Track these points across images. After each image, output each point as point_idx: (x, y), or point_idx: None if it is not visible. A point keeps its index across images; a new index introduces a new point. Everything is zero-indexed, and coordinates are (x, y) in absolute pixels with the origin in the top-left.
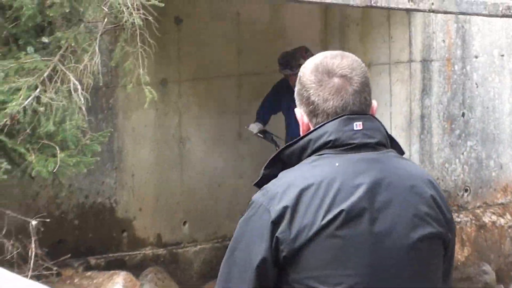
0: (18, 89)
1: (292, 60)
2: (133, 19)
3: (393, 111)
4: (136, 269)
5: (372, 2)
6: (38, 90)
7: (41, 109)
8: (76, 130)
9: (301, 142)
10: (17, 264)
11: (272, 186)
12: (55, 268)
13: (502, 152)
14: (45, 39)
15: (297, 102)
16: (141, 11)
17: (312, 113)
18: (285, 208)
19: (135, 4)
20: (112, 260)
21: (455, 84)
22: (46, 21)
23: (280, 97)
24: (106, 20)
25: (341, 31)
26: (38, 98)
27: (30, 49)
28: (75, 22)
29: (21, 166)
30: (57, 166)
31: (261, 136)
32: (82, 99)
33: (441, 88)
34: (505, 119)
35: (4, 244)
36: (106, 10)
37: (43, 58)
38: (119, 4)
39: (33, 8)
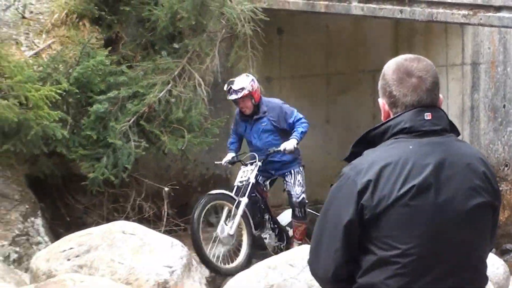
0: (154, 84)
1: (235, 86)
2: (245, 30)
3: (449, 103)
4: None
5: (433, 18)
6: (170, 85)
7: (172, 100)
8: (200, 116)
9: (383, 127)
10: (153, 222)
11: (359, 162)
12: (182, 225)
13: None
14: (175, 45)
15: (380, 94)
16: (251, 24)
17: (393, 104)
18: (369, 181)
19: (246, 18)
20: None
21: (498, 82)
22: (177, 31)
23: (238, 127)
24: (223, 30)
25: (408, 39)
26: (170, 92)
27: (164, 53)
28: (199, 32)
29: (156, 144)
30: (185, 144)
31: (230, 161)
32: (204, 92)
33: (486, 85)
34: None
35: (143, 206)
36: (224, 22)
37: (174, 60)
38: (234, 18)
39: (166, 20)
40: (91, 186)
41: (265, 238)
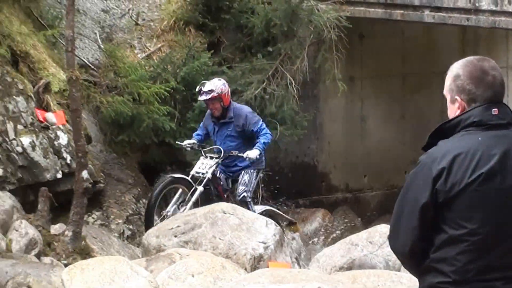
0: (251, 83)
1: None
2: (330, 35)
3: (509, 101)
4: (331, 207)
5: (496, 25)
6: (264, 83)
7: (267, 97)
8: (291, 111)
9: (455, 121)
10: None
11: (434, 151)
12: (275, 206)
13: None
14: (269, 49)
15: (455, 91)
16: (336, 30)
17: (472, 100)
18: (443, 168)
19: (331, 25)
20: (314, 201)
21: None
22: (271, 36)
23: (207, 126)
24: (311, 36)
25: (474, 44)
26: (264, 89)
27: (259, 55)
28: (290, 37)
29: None
30: (277, 135)
31: (189, 145)
32: (294, 90)
33: None
34: None
35: None
36: (312, 29)
37: (268, 62)
38: (321, 25)
39: (261, 27)
40: None
41: None
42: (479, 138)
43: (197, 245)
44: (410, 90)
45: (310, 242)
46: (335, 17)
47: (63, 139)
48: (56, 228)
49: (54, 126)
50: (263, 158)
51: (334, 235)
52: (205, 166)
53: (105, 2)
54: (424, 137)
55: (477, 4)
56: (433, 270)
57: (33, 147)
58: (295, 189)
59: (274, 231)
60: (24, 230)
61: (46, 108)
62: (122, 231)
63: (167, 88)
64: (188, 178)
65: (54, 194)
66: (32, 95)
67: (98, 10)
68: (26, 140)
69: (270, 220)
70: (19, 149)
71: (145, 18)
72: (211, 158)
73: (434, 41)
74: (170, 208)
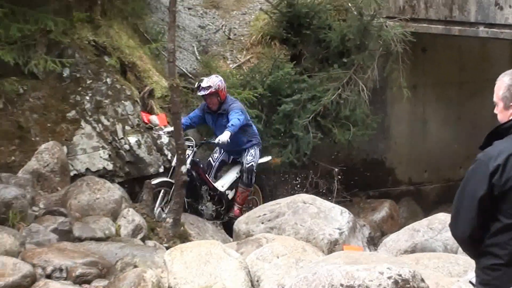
0: (328, 89)
1: (203, 84)
2: (397, 48)
3: None
4: (396, 198)
5: None
6: (339, 90)
7: (342, 102)
8: (362, 114)
9: (508, 124)
10: (326, 195)
11: (490, 150)
12: (348, 197)
13: None
14: (344, 60)
15: (510, 99)
16: (402, 44)
17: None
18: (498, 165)
19: (398, 39)
20: (382, 193)
21: None
22: (345, 49)
23: (204, 116)
24: (381, 48)
25: None
26: (340, 95)
27: (335, 65)
28: (362, 49)
29: (329, 135)
30: (351, 136)
31: (169, 131)
32: (366, 96)
33: None
34: None
35: (319, 183)
36: (381, 43)
37: (343, 71)
38: (389, 39)
39: (337, 41)
40: (280, 167)
41: (202, 210)
42: None
43: (281, 231)
44: (466, 96)
45: (379, 228)
46: (401, 32)
47: (165, 138)
48: (159, 216)
49: (157, 127)
50: (258, 136)
51: (399, 222)
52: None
53: (201, 19)
54: (477, 138)
55: None
56: (488, 254)
57: (139, 145)
58: (366, 182)
59: (348, 219)
60: (131, 217)
61: (150, 111)
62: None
63: (255, 94)
64: (167, 179)
65: (158, 187)
66: (138, 100)
67: (195, 26)
68: (132, 139)
69: (344, 209)
70: (127, 147)
71: (236, 33)
72: (188, 146)
73: (487, 53)
74: (155, 211)
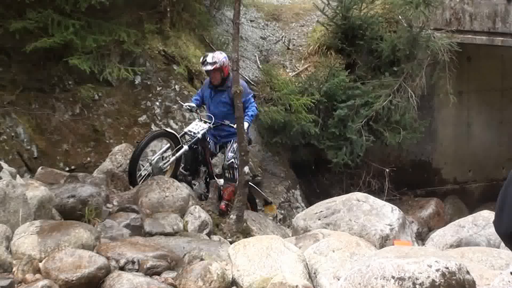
0: (380, 96)
1: (209, 59)
2: (444, 58)
3: None
4: (442, 196)
5: None
6: (390, 96)
7: (392, 107)
8: (411, 119)
9: None
10: (377, 193)
11: None
12: (398, 196)
13: None
14: (395, 68)
15: None
16: (448, 53)
17: None
18: None
19: (445, 49)
20: (429, 191)
21: None
22: (395, 58)
23: (204, 92)
24: (428, 58)
25: None
26: (390, 101)
27: (386, 74)
28: (411, 59)
29: (380, 138)
30: (400, 138)
31: (189, 109)
32: (415, 102)
33: None
34: None
35: (371, 182)
36: (429, 52)
37: (393, 79)
38: (436, 49)
39: (388, 51)
40: (334, 167)
41: (194, 184)
42: None
43: (336, 227)
44: (507, 102)
45: (426, 224)
46: (448, 43)
47: None
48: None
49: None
50: (248, 129)
51: (445, 218)
52: (198, 127)
53: (263, 30)
54: None
55: None
56: None
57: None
58: (414, 182)
59: (398, 216)
60: (197, 214)
61: None
62: (275, 215)
63: (312, 100)
64: (178, 136)
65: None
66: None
67: (257, 37)
68: None
69: (394, 207)
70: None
71: (295, 44)
72: (205, 122)
73: None
74: (155, 156)
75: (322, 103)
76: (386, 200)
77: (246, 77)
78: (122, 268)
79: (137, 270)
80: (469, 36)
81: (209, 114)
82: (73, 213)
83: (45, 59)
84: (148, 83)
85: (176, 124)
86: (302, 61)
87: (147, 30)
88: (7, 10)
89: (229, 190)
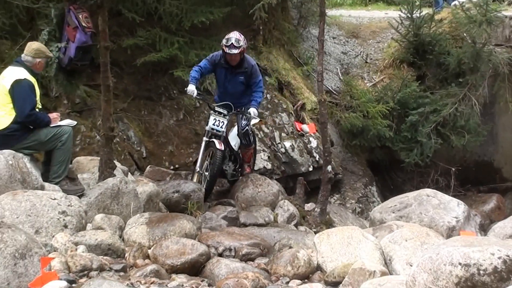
0: (447, 104)
1: (235, 43)
2: (504, 70)
3: None
4: (503, 193)
5: None
6: (456, 104)
7: (458, 114)
8: (475, 124)
9: None
10: (444, 190)
11: None
12: (463, 192)
13: None
14: (460, 80)
15: None
16: (508, 66)
17: None
18: None
19: (505, 63)
20: (491, 188)
21: None
22: (461, 71)
23: (216, 69)
24: (490, 70)
25: None
26: (456, 109)
27: (452, 84)
28: (475, 71)
29: (447, 141)
30: (465, 141)
31: (199, 97)
32: (478, 109)
33: None
34: None
35: (439, 179)
36: (491, 65)
37: (459, 89)
38: (497, 62)
39: (454, 64)
40: (406, 166)
41: (226, 170)
42: None
43: (408, 219)
44: None
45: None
46: (507, 57)
47: (314, 143)
48: (308, 206)
49: (307, 134)
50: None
51: (505, 212)
52: (219, 123)
53: (344, 46)
54: None
55: None
56: None
57: (293, 149)
58: (477, 179)
59: (463, 209)
60: (286, 207)
61: (302, 121)
62: (354, 208)
63: (387, 108)
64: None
65: (307, 182)
66: (292, 112)
67: (339, 52)
68: (287, 143)
69: (460, 202)
70: (283, 150)
71: (372, 58)
72: (220, 113)
73: None
74: (204, 166)
75: (395, 110)
76: (452, 196)
77: (329, 87)
78: (220, 255)
79: (234, 257)
80: None
81: (227, 103)
82: (177, 206)
83: (153, 71)
84: (258, 108)
85: (268, 128)
86: (378, 73)
87: None
88: (121, 29)
89: (248, 153)
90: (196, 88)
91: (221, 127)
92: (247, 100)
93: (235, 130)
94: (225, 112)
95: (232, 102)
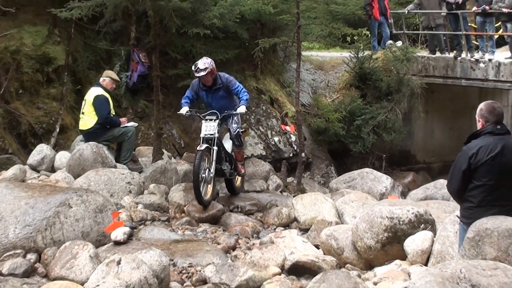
0: (380, 113)
1: (200, 66)
2: (417, 91)
3: (507, 122)
4: (416, 171)
5: (496, 86)
6: (386, 113)
7: (387, 119)
8: (399, 126)
9: (480, 131)
10: (378, 169)
11: (470, 145)
12: (390, 170)
13: None
14: (389, 97)
15: (480, 117)
16: (420, 88)
17: (487, 121)
18: (473, 153)
19: (418, 86)
20: (409, 168)
21: None
22: (389, 91)
23: (199, 93)
24: (408, 91)
25: (489, 95)
26: (386, 116)
27: (384, 100)
28: (399, 92)
29: (380, 137)
30: (392, 137)
31: (190, 113)
32: (400, 116)
33: None
34: None
35: (374, 162)
36: (409, 88)
37: (388, 103)
38: (413, 86)
39: (385, 87)
40: (353, 154)
41: (224, 169)
42: (491, 139)
43: (354, 188)
44: (454, 116)
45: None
46: (420, 83)
47: (293, 138)
48: (289, 179)
49: (289, 132)
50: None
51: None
52: (210, 128)
53: (313, 75)
54: (462, 140)
55: (488, 77)
56: (466, 201)
57: (279, 142)
58: (400, 162)
59: (390, 182)
60: (274, 180)
61: (286, 124)
62: (319, 181)
63: (341, 115)
64: (209, 146)
65: (288, 164)
66: (279, 118)
67: (310, 79)
68: (276, 138)
69: (388, 177)
70: (273, 142)
71: (331, 83)
72: (211, 120)
73: (466, 93)
74: (206, 173)
75: (347, 117)
76: (383, 173)
77: (304, 102)
78: (231, 210)
79: (240, 212)
80: (432, 78)
81: (214, 111)
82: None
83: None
84: (247, 105)
85: (263, 128)
86: (336, 93)
87: (247, 74)
88: (167, 63)
89: (241, 153)
90: (188, 107)
91: (212, 131)
92: (233, 106)
93: (227, 135)
94: (214, 117)
95: (221, 113)
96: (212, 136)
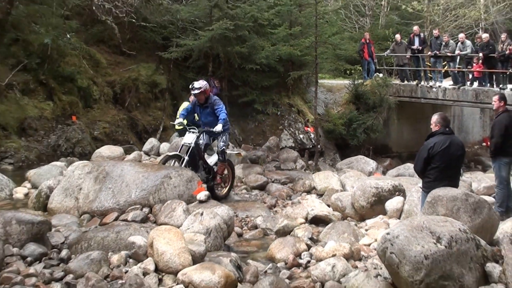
0: (368, 120)
1: (196, 86)
2: (393, 106)
3: (454, 126)
4: (392, 158)
5: (447, 104)
6: (373, 120)
7: (373, 124)
8: (380, 128)
9: (435, 131)
10: (368, 156)
11: (429, 141)
12: (375, 157)
13: None
14: (375, 110)
15: (436, 123)
16: (394, 104)
17: (441, 125)
18: (431, 146)
19: (392, 103)
20: (387, 156)
21: None
22: (375, 105)
23: (195, 108)
24: (387, 106)
25: (440, 109)
26: (373, 122)
27: (371, 112)
28: (381, 106)
29: (369, 135)
30: (376, 135)
31: (180, 126)
32: (381, 122)
33: None
34: None
35: (365, 152)
36: (388, 104)
37: (374, 114)
38: (390, 103)
39: (372, 103)
40: (352, 146)
41: (199, 175)
42: (442, 137)
43: (352, 168)
44: (418, 122)
45: (386, 168)
46: (394, 101)
47: (312, 135)
48: (310, 162)
49: (309, 132)
50: (228, 126)
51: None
52: (190, 138)
53: (325, 95)
54: (420, 138)
55: (438, 97)
56: (426, 177)
57: (303, 138)
58: (381, 152)
59: (376, 165)
60: (300, 162)
61: (307, 126)
62: (330, 163)
63: (344, 121)
64: (179, 154)
65: (309, 152)
66: (303, 122)
67: (323, 97)
68: (301, 136)
69: (374, 161)
70: (299, 138)
71: (337, 100)
72: (193, 132)
73: (424, 108)
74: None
75: (347, 122)
76: (370, 158)
77: (319, 112)
78: (273, 181)
79: (278, 183)
80: (402, 98)
81: (193, 127)
82: (256, 161)
83: (245, 105)
84: (283, 114)
85: (293, 129)
86: (340, 107)
87: (282, 95)
88: (232, 87)
89: (222, 167)
90: (184, 120)
91: (190, 141)
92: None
93: (214, 155)
94: (196, 131)
95: (208, 128)
96: (189, 145)
